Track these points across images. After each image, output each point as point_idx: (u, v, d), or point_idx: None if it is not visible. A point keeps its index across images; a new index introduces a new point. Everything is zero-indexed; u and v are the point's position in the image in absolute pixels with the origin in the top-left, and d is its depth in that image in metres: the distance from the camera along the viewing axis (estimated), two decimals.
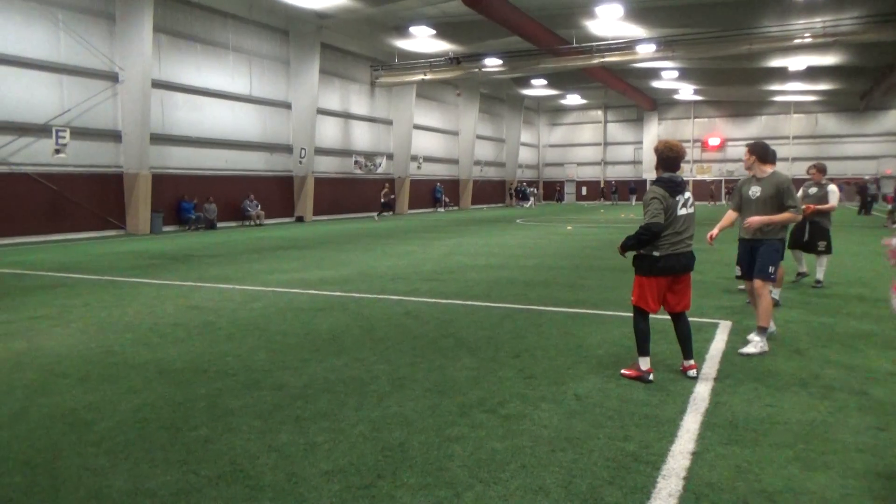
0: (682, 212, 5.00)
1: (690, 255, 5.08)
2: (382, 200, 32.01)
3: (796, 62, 34.57)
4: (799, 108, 48.94)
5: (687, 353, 5.16)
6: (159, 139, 23.13)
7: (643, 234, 4.88)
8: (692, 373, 5.08)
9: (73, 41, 20.36)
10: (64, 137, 19.72)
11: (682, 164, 5.22)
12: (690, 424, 4.13)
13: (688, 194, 5.11)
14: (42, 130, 19.59)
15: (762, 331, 5.92)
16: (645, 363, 5.01)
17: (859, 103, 44.17)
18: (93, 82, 21.10)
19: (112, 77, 21.53)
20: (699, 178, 51.60)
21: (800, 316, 7.47)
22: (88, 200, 21.16)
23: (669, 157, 5.09)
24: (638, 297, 5.07)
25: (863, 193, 31.55)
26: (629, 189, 51.55)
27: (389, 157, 36.67)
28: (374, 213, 32.09)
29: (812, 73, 37.94)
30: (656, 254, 4.96)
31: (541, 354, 5.84)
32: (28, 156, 19.46)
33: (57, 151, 19.71)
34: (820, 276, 9.49)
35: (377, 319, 7.45)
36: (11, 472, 3.56)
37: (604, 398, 4.63)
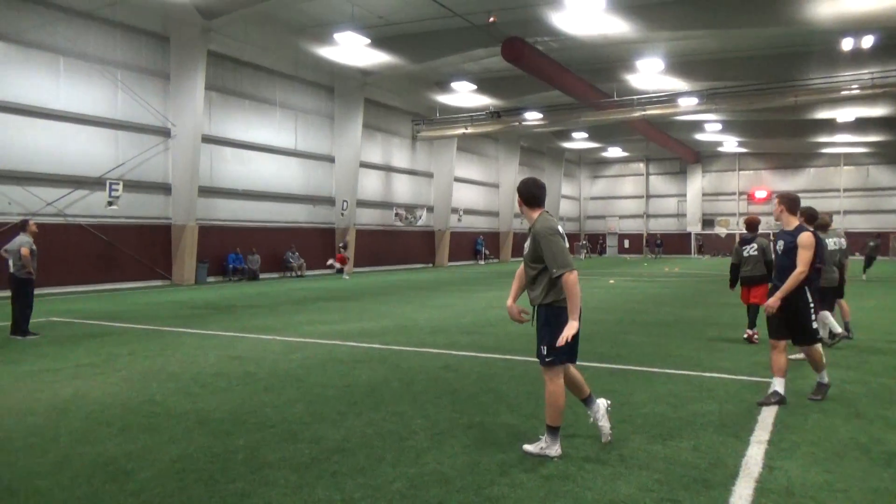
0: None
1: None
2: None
3: (844, 114, 33.96)
4: (849, 159, 47.87)
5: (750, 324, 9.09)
6: (207, 191, 23.83)
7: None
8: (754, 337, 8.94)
9: (129, 98, 21.33)
10: (117, 190, 20.46)
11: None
12: (743, 490, 3.92)
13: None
14: (96, 183, 20.38)
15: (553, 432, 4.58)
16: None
17: None
18: (146, 137, 21.97)
19: (165, 132, 22.41)
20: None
21: (857, 376, 7.13)
22: (137, 251, 21.78)
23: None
24: None
25: None
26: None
27: (430, 209, 37.03)
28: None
29: (861, 125, 37.24)
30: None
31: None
32: (82, 207, 20.21)
33: (110, 203, 20.43)
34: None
35: (416, 372, 7.37)
36: None
37: (650, 460, 4.45)
